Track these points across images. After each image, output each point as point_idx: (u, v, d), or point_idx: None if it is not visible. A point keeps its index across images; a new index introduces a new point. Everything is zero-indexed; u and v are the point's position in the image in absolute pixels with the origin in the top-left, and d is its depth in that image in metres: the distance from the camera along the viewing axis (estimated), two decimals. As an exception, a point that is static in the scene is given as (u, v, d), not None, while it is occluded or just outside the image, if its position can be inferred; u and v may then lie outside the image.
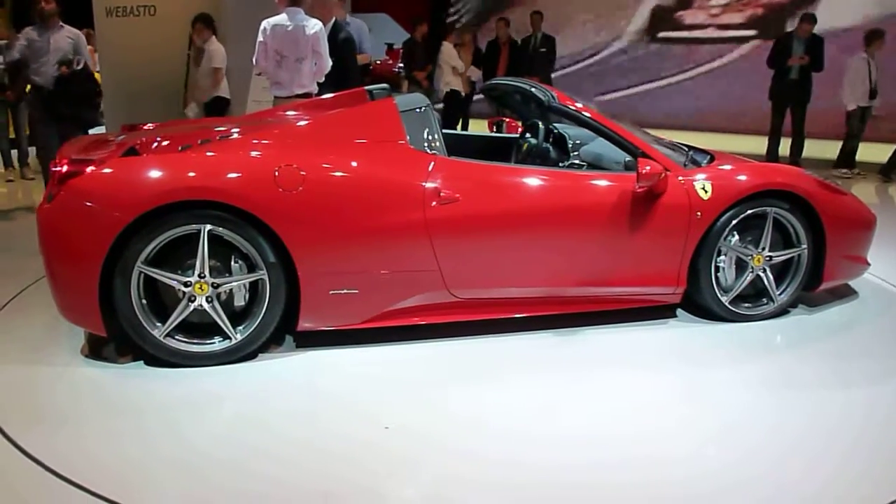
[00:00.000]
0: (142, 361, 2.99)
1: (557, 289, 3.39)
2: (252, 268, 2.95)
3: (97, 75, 6.88)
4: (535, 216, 3.24)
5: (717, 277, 3.51)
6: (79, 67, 5.72)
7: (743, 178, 3.50)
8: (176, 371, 2.92)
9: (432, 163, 3.16)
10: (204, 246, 2.85)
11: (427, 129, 3.27)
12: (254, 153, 3.03)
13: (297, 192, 2.91)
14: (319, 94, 5.06)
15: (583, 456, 2.40)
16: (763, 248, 3.54)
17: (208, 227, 2.83)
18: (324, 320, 3.12)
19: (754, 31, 12.59)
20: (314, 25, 4.95)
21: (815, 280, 3.69)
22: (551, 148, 3.99)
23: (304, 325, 3.09)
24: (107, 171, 2.83)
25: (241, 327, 2.99)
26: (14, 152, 7.45)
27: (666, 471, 2.32)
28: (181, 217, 2.81)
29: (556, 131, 4.09)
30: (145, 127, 3.82)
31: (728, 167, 3.65)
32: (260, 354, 3.08)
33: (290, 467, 2.30)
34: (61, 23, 5.77)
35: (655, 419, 2.66)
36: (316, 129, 3.31)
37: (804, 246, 3.58)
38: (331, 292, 3.04)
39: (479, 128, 7.50)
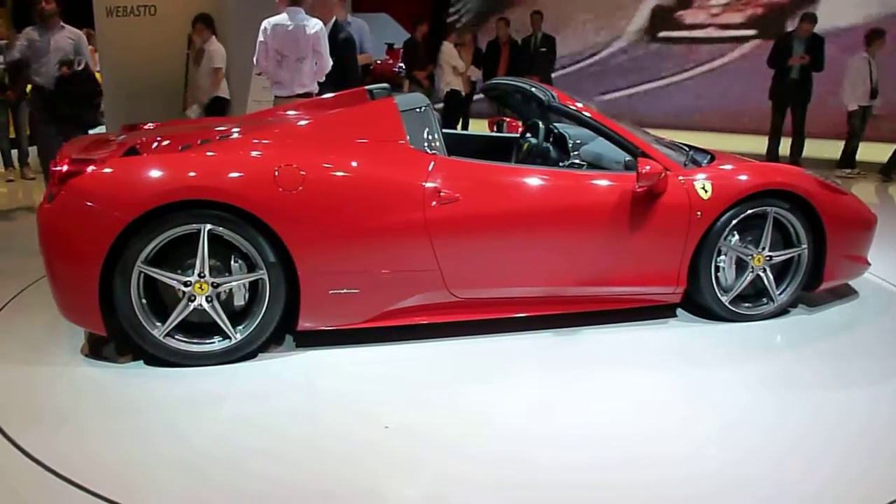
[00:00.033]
0: (142, 361, 2.99)
1: (557, 288, 3.39)
2: (252, 267, 2.95)
3: (97, 75, 6.89)
4: (535, 216, 3.24)
5: (717, 277, 3.51)
6: (80, 68, 5.72)
7: (743, 177, 3.50)
8: (176, 371, 2.92)
9: (432, 162, 3.16)
10: (204, 245, 2.85)
11: (427, 129, 3.27)
12: (254, 153, 3.03)
13: (297, 192, 2.91)
14: (320, 93, 5.06)
15: (583, 455, 2.40)
16: (763, 248, 3.54)
17: (208, 226, 2.84)
18: (324, 320, 3.12)
19: (754, 31, 12.58)
20: (315, 25, 4.95)
21: (816, 280, 3.69)
22: (551, 147, 3.99)
23: (304, 324, 3.09)
24: (107, 170, 2.83)
25: (240, 327, 2.99)
26: (14, 152, 7.45)
27: (666, 470, 2.32)
28: (181, 217, 2.81)
29: (556, 131, 4.09)
30: (146, 127, 3.82)
31: (728, 167, 3.65)
32: (260, 354, 3.08)
33: (290, 467, 2.30)
34: (62, 23, 5.77)
35: (655, 419, 2.66)
36: (316, 128, 3.31)
37: (804, 246, 3.58)
38: (331, 292, 3.04)
39: (479, 127, 7.50)
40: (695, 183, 3.43)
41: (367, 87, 4.11)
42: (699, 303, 3.59)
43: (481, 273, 3.24)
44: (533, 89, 3.69)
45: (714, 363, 3.16)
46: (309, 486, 2.20)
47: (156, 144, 3.24)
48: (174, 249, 2.88)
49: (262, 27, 4.97)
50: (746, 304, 3.61)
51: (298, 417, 2.61)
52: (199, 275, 2.88)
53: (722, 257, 3.51)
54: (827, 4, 11.56)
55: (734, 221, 3.45)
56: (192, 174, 2.85)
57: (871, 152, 8.42)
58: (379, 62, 12.86)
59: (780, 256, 3.58)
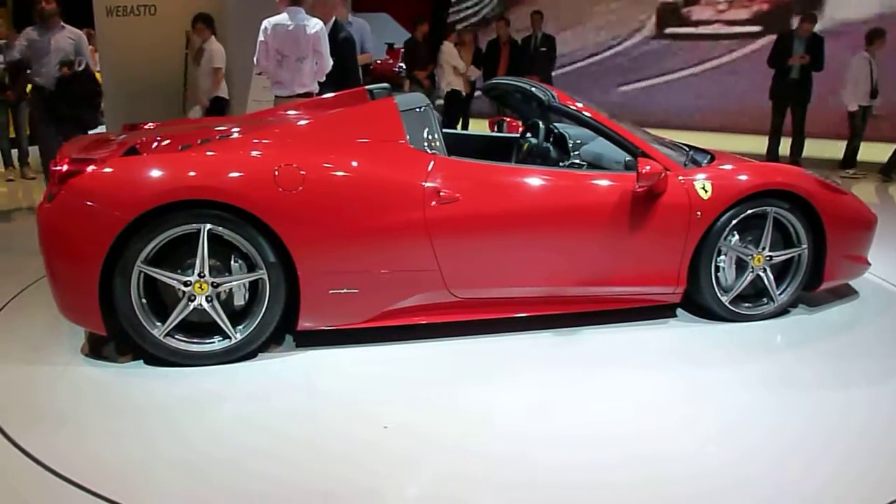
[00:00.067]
0: (142, 361, 2.99)
1: (557, 288, 3.39)
2: (252, 267, 2.95)
3: (97, 75, 6.89)
4: (535, 216, 3.24)
5: (717, 277, 3.51)
6: (80, 69, 5.72)
7: (743, 177, 3.50)
8: (176, 370, 2.92)
9: (432, 162, 3.16)
10: (204, 245, 2.85)
11: (427, 129, 3.27)
12: (254, 153, 3.03)
13: (296, 192, 2.91)
14: (320, 93, 5.06)
15: (583, 455, 2.40)
16: (763, 248, 3.54)
17: (208, 226, 2.84)
18: (324, 320, 3.12)
19: (761, 27, 12.59)
20: (315, 25, 4.95)
21: (816, 280, 3.68)
22: (552, 147, 3.99)
23: (304, 324, 3.09)
24: (107, 170, 2.83)
25: (240, 327, 2.99)
26: (14, 152, 7.45)
27: (666, 470, 2.32)
28: (181, 216, 2.81)
29: (556, 131, 4.09)
30: (146, 126, 3.82)
31: (728, 167, 3.65)
32: (260, 354, 3.08)
33: (290, 467, 2.30)
34: (62, 23, 5.77)
35: (656, 419, 2.66)
36: (316, 128, 3.31)
37: (804, 246, 3.58)
38: (330, 292, 3.04)
39: (479, 127, 7.50)
40: (695, 183, 3.43)
41: (367, 86, 4.11)
42: (699, 303, 3.59)
43: (481, 273, 3.24)
44: (533, 89, 3.69)
45: (714, 363, 3.16)
46: (309, 486, 2.20)
47: (156, 144, 3.24)
48: (174, 249, 2.88)
49: (263, 27, 4.97)
50: (746, 304, 3.61)
51: (298, 417, 2.61)
52: (199, 275, 2.88)
53: (722, 257, 3.51)
54: (834, 1, 11.55)
55: (734, 221, 3.45)
56: (192, 174, 2.85)
57: (871, 152, 8.42)
58: (379, 62, 12.86)
59: (781, 256, 3.58)
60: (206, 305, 2.91)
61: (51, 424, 2.53)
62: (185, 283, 2.88)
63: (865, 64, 7.99)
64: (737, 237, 3.52)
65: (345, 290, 3.05)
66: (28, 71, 6.02)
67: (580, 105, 3.52)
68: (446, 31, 9.30)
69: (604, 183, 3.37)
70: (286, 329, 3.16)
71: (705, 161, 3.83)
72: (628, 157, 3.49)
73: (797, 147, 8.26)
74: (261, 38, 4.97)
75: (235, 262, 2.96)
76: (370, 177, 3.06)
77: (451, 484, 2.24)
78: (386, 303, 3.14)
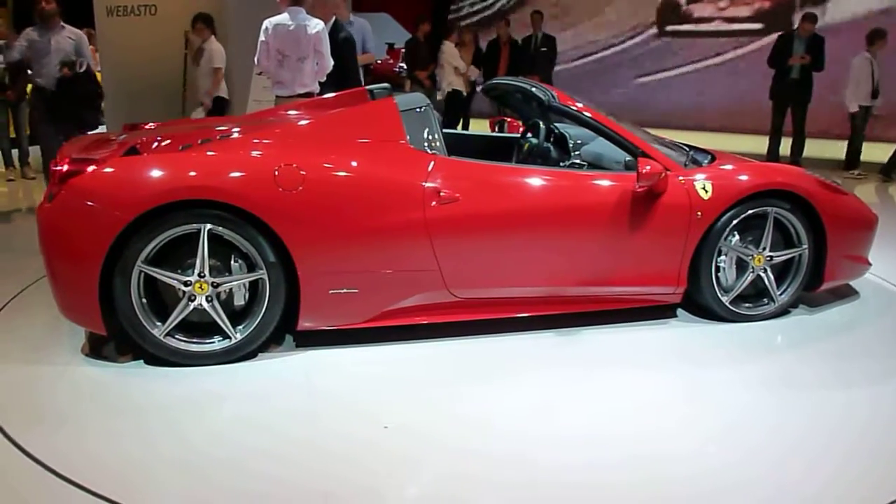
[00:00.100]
0: (142, 361, 2.99)
1: (558, 288, 3.39)
2: (252, 267, 2.95)
3: (97, 75, 6.89)
4: (535, 216, 3.24)
5: (717, 277, 3.50)
6: (81, 70, 5.71)
7: (743, 177, 3.50)
8: (176, 370, 2.92)
9: (432, 162, 3.16)
10: (204, 245, 2.85)
11: (427, 129, 3.27)
12: (254, 153, 3.03)
13: (296, 192, 2.91)
14: (321, 93, 5.06)
15: (583, 455, 2.40)
16: (764, 248, 3.53)
17: (208, 226, 2.83)
18: (324, 320, 3.12)
19: (762, 25, 12.60)
20: (316, 25, 4.96)
21: (816, 280, 3.68)
22: (552, 147, 3.98)
23: (304, 324, 3.09)
24: (107, 170, 2.83)
25: (240, 327, 2.99)
26: (15, 151, 7.45)
27: (667, 470, 2.32)
28: (181, 216, 2.81)
29: (556, 131, 4.09)
30: (146, 126, 3.82)
31: (729, 167, 3.65)
32: (260, 354, 3.08)
33: (290, 467, 2.30)
34: (62, 23, 5.77)
35: (656, 419, 2.66)
36: (316, 128, 3.31)
37: (805, 246, 3.58)
38: (330, 292, 3.04)
39: (479, 127, 7.50)
40: (695, 183, 3.42)
41: (367, 87, 4.11)
42: (700, 303, 3.59)
43: (481, 273, 3.24)
44: (533, 89, 3.69)
45: (714, 363, 3.16)
46: (309, 486, 2.20)
47: (156, 144, 3.24)
48: (174, 249, 2.88)
49: (264, 27, 4.97)
50: (747, 305, 3.61)
51: (298, 417, 2.61)
52: (199, 274, 2.88)
53: (722, 257, 3.51)
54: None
55: (735, 221, 3.45)
56: (192, 174, 2.85)
57: (870, 152, 8.42)
58: (379, 62, 12.86)
59: (781, 256, 3.58)
60: (206, 305, 2.91)
61: (51, 424, 2.53)
62: (186, 283, 2.88)
63: (867, 64, 7.99)
64: (737, 237, 3.52)
65: (345, 290, 3.05)
66: (29, 71, 6.02)
67: (580, 105, 3.51)
68: (447, 30, 9.27)
69: (604, 183, 3.37)
70: (286, 329, 3.16)
71: (706, 161, 3.83)
72: (628, 157, 3.49)
73: (797, 147, 8.26)
74: (262, 38, 4.97)
75: (235, 262, 2.95)
76: (370, 177, 3.06)
77: (451, 484, 2.24)
78: (386, 303, 3.14)
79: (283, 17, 4.94)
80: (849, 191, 3.86)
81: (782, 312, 3.67)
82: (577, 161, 3.83)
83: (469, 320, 3.28)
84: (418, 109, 3.32)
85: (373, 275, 3.07)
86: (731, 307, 3.55)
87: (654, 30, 13.58)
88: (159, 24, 6.97)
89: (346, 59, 5.37)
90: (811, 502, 2.19)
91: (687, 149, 3.97)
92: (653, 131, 3.98)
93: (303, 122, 3.42)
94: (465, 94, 9.05)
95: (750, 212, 3.45)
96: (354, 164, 3.06)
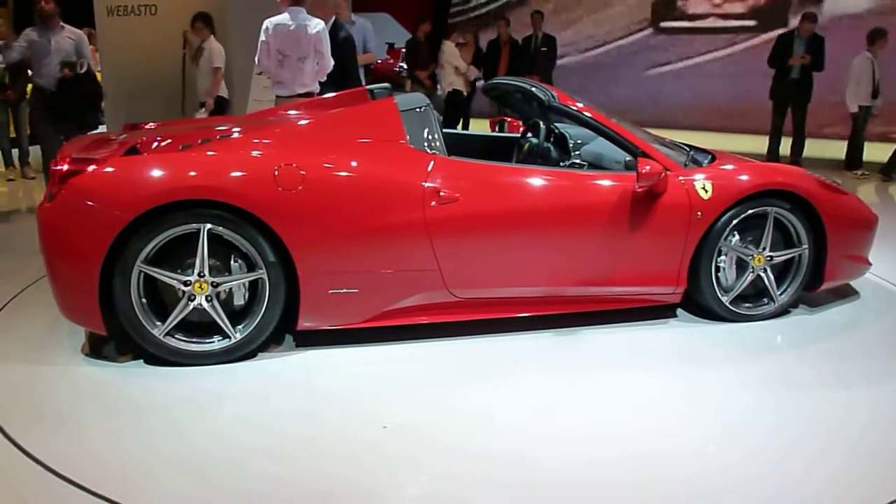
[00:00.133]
0: (142, 360, 2.99)
1: (558, 288, 3.39)
2: (252, 267, 2.95)
3: (98, 75, 6.89)
4: (535, 216, 3.24)
5: (717, 277, 3.50)
6: (82, 71, 5.71)
7: (743, 177, 3.50)
8: (176, 370, 2.92)
9: (432, 162, 3.16)
10: (203, 245, 2.85)
11: (427, 129, 3.27)
12: (254, 153, 3.03)
13: (296, 192, 2.91)
14: (321, 93, 5.06)
15: (583, 455, 2.40)
16: (764, 248, 3.53)
17: (208, 226, 2.83)
18: (323, 319, 3.12)
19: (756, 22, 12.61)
20: (316, 25, 4.96)
21: (817, 280, 3.68)
22: (552, 147, 3.98)
23: (304, 324, 3.09)
24: (107, 170, 2.83)
25: (240, 326, 2.99)
26: (15, 151, 7.45)
27: (666, 470, 2.32)
28: (181, 216, 2.81)
29: (557, 131, 4.09)
30: (147, 126, 3.82)
31: (729, 167, 3.65)
32: (259, 353, 3.08)
33: (290, 466, 2.30)
34: (62, 23, 5.76)
35: (656, 419, 2.66)
36: (316, 128, 3.31)
37: (805, 246, 3.58)
38: (330, 291, 3.03)
39: (480, 127, 7.50)
40: (695, 183, 3.42)
41: (367, 86, 4.11)
42: (699, 303, 3.59)
43: (481, 273, 3.24)
44: (533, 89, 3.68)
45: (714, 363, 3.16)
46: (309, 486, 2.20)
47: (156, 144, 3.24)
48: (174, 249, 2.88)
49: (264, 27, 4.97)
50: (747, 305, 3.61)
51: (298, 417, 2.61)
52: (198, 274, 2.88)
53: (722, 257, 3.50)
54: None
55: (734, 221, 3.44)
56: (192, 174, 2.85)
57: (870, 152, 8.41)
58: (380, 62, 12.87)
59: (781, 256, 3.58)
60: (205, 305, 2.91)
61: (51, 424, 2.53)
62: (185, 283, 2.88)
63: (868, 64, 7.98)
64: (737, 237, 3.52)
65: (344, 290, 3.05)
66: (29, 72, 6.02)
67: (580, 105, 3.51)
68: (448, 30, 9.27)
69: (604, 183, 3.37)
70: (286, 329, 3.16)
71: (706, 161, 3.82)
72: (628, 157, 3.49)
73: (797, 147, 8.26)
74: (262, 38, 4.97)
75: (235, 261, 2.95)
76: (370, 177, 3.06)
77: (451, 484, 2.24)
78: (386, 303, 3.14)
79: (284, 17, 4.94)
80: (849, 191, 3.86)
81: (782, 312, 3.67)
82: (577, 161, 3.83)
83: (469, 320, 3.28)
84: (418, 109, 3.32)
85: (372, 275, 3.07)
86: (731, 307, 3.55)
87: (649, 26, 13.60)
88: (159, 24, 6.96)
89: (346, 58, 5.38)
90: (811, 502, 2.19)
91: (687, 149, 3.97)
92: (651, 131, 3.98)
93: (303, 122, 3.42)
94: (465, 93, 9.04)
95: (750, 212, 3.45)
96: (354, 163, 3.06)
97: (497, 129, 4.79)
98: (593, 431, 2.56)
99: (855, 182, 7.80)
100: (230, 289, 2.98)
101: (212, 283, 2.90)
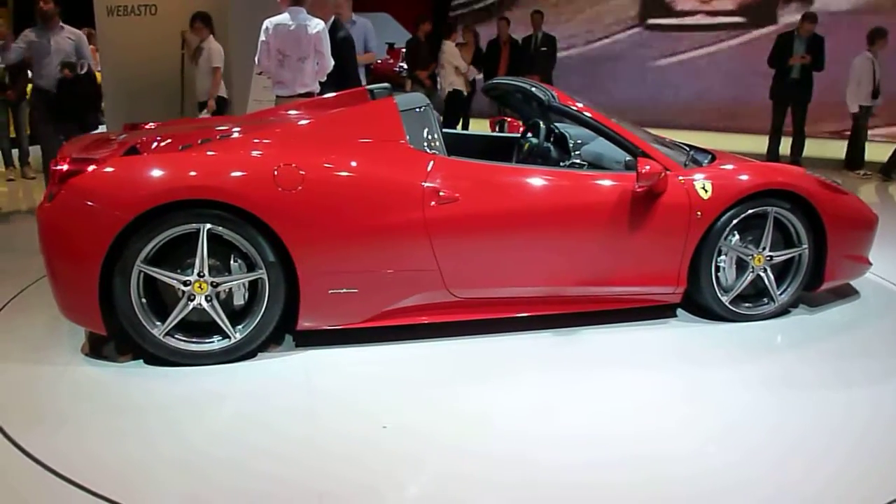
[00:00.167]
0: (142, 360, 2.99)
1: (557, 288, 3.38)
2: (251, 267, 2.95)
3: (97, 75, 6.89)
4: (535, 215, 3.24)
5: (717, 277, 3.50)
6: (83, 72, 5.70)
7: (743, 177, 3.50)
8: (176, 370, 2.92)
9: (431, 162, 3.16)
10: (203, 245, 2.85)
11: (427, 129, 3.27)
12: (254, 153, 3.03)
13: (296, 192, 2.91)
14: (321, 93, 5.06)
15: (583, 455, 2.40)
16: (764, 248, 3.53)
17: (208, 226, 2.83)
18: (323, 319, 3.12)
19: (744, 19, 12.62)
20: (316, 25, 4.96)
21: (817, 280, 3.68)
22: (552, 147, 3.98)
23: (304, 324, 3.09)
24: (107, 170, 2.83)
25: (240, 326, 2.99)
26: (15, 151, 7.45)
27: (666, 470, 2.32)
28: (181, 216, 2.81)
29: (557, 131, 4.09)
30: (147, 126, 3.82)
31: (729, 167, 3.65)
32: (259, 353, 3.08)
33: (290, 466, 2.30)
34: (61, 23, 5.76)
35: (656, 419, 2.66)
36: (316, 128, 3.31)
37: (805, 246, 3.58)
38: (330, 291, 3.03)
39: (480, 127, 7.50)
40: (695, 183, 3.42)
41: (368, 86, 4.11)
42: (699, 303, 3.59)
43: (481, 273, 3.24)
44: (533, 89, 3.68)
45: (714, 363, 3.16)
46: (309, 485, 2.20)
47: (156, 144, 3.24)
48: (174, 249, 2.88)
49: (264, 27, 4.97)
50: (747, 304, 3.61)
51: (298, 417, 2.61)
52: (198, 274, 2.88)
53: (722, 257, 3.50)
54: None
55: (734, 221, 3.44)
56: (192, 174, 2.85)
57: (870, 152, 8.41)
58: (380, 62, 12.86)
59: (781, 256, 3.58)
60: (205, 305, 2.91)
61: (51, 424, 2.53)
62: (185, 283, 2.88)
63: (868, 64, 7.98)
64: (737, 237, 3.52)
65: (344, 290, 3.05)
66: (29, 73, 6.02)
67: (580, 105, 3.51)
68: (448, 30, 9.26)
69: (604, 183, 3.37)
70: (286, 329, 3.16)
71: (706, 161, 3.82)
72: (628, 157, 3.48)
73: (797, 147, 8.26)
74: (262, 38, 4.97)
75: (235, 261, 2.95)
76: (370, 177, 3.06)
77: (451, 483, 2.24)
78: (385, 303, 3.14)
79: (284, 17, 4.94)
80: (849, 190, 3.86)
81: (782, 312, 3.67)
82: (577, 161, 3.83)
83: (468, 320, 3.28)
84: (418, 109, 3.32)
85: (372, 275, 3.07)
86: (730, 307, 3.55)
87: (637, 24, 13.63)
88: (159, 24, 6.96)
89: (345, 58, 5.37)
90: (811, 502, 2.19)
91: (687, 148, 3.97)
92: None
93: (303, 122, 3.42)
94: (465, 93, 9.04)
95: (750, 211, 3.45)
96: (354, 163, 3.06)
97: (497, 129, 4.79)
98: (593, 431, 2.56)
99: (855, 182, 7.80)
100: (230, 289, 2.97)
101: (211, 283, 2.90)
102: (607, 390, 2.89)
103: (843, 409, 2.76)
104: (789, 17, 11.61)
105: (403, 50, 10.88)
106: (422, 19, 8.97)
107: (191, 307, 2.91)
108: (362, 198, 3.02)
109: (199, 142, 3.14)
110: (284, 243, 2.91)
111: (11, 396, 2.73)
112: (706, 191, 3.40)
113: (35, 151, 7.02)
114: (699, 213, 3.37)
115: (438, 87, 8.90)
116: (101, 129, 6.88)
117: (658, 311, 3.60)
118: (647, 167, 3.23)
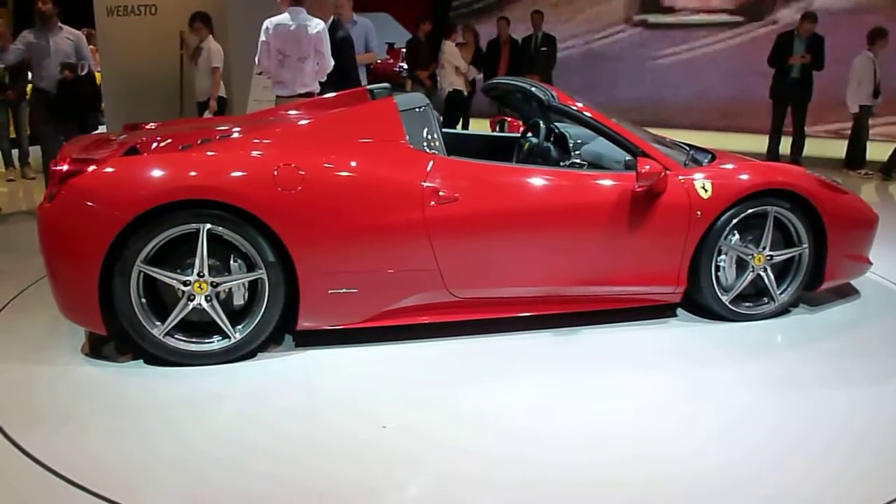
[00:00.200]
0: (141, 360, 2.99)
1: (557, 288, 3.38)
2: (251, 267, 2.95)
3: (97, 75, 6.89)
4: (535, 215, 3.24)
5: (717, 277, 3.50)
6: (83, 73, 5.70)
7: (743, 177, 3.50)
8: (176, 370, 2.92)
9: (431, 162, 3.16)
10: (203, 245, 2.85)
11: (426, 129, 3.27)
12: (253, 153, 3.03)
13: (295, 192, 2.91)
14: (321, 93, 5.06)
15: (583, 455, 2.40)
16: (764, 248, 3.53)
17: (207, 226, 2.83)
18: (323, 319, 3.12)
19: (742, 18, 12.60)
20: (317, 25, 4.96)
21: (817, 279, 3.68)
22: (552, 147, 3.98)
23: (304, 324, 3.09)
24: (107, 170, 2.83)
25: (240, 326, 2.99)
26: (15, 152, 7.45)
27: (666, 470, 2.31)
28: (180, 216, 2.81)
29: (557, 130, 4.09)
30: (147, 126, 3.82)
31: (729, 166, 3.65)
32: (259, 353, 3.08)
33: (289, 466, 2.30)
34: (60, 24, 5.76)
35: (656, 418, 2.66)
36: (315, 128, 3.31)
37: (805, 245, 3.58)
38: (330, 291, 3.03)
39: (480, 127, 7.50)
40: (695, 182, 3.42)
41: (368, 86, 4.11)
42: (699, 302, 3.59)
43: (480, 273, 3.24)
44: (533, 89, 3.68)
45: (714, 363, 3.16)
46: (309, 485, 2.20)
47: (156, 144, 3.24)
48: (174, 249, 2.88)
49: (264, 27, 4.97)
50: (747, 304, 3.61)
51: (298, 417, 2.61)
52: (198, 274, 2.88)
53: (722, 257, 3.50)
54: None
55: (734, 221, 3.44)
56: (192, 174, 2.85)
57: (870, 151, 8.40)
58: (379, 62, 12.86)
59: (781, 256, 3.58)
60: (205, 305, 2.91)
61: (51, 424, 2.53)
62: (185, 283, 2.88)
63: (869, 64, 7.97)
64: (737, 237, 3.52)
65: (344, 290, 3.05)
66: (29, 74, 6.01)
67: (580, 105, 3.51)
68: (448, 30, 9.26)
69: (604, 182, 3.37)
70: (285, 329, 3.16)
71: (706, 160, 3.82)
72: (628, 157, 3.48)
73: (797, 146, 8.26)
74: (262, 38, 4.97)
75: (235, 261, 2.95)
76: (369, 176, 3.06)
77: (450, 483, 2.24)
78: (385, 302, 3.14)
79: (284, 17, 4.94)
80: (849, 190, 3.86)
81: (782, 312, 3.67)
82: (577, 161, 3.83)
83: (468, 320, 3.28)
84: (418, 109, 3.32)
85: (372, 275, 3.07)
86: (731, 306, 3.55)
87: (637, 23, 13.64)
88: (159, 24, 6.97)
89: (344, 58, 5.37)
90: (812, 502, 2.19)
91: (687, 148, 3.97)
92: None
93: (303, 122, 3.42)
94: (465, 93, 9.04)
95: (750, 211, 3.45)
96: (353, 163, 3.06)
97: (497, 129, 4.79)
98: (593, 431, 2.56)
99: (855, 181, 7.80)
100: (230, 289, 2.97)
101: (211, 283, 2.90)
102: (607, 390, 2.89)
103: (844, 409, 2.76)
104: (789, 16, 11.64)
105: (403, 50, 10.87)
106: (422, 19, 8.96)
107: (190, 307, 2.91)
108: (362, 198, 3.02)
109: (199, 142, 3.14)
110: (284, 243, 2.91)
111: (11, 396, 2.73)
112: (706, 190, 3.40)
113: (35, 152, 7.02)
114: (699, 212, 3.37)
115: (438, 87, 8.90)
116: (101, 129, 6.89)
117: (658, 311, 3.60)
118: (647, 167, 3.23)
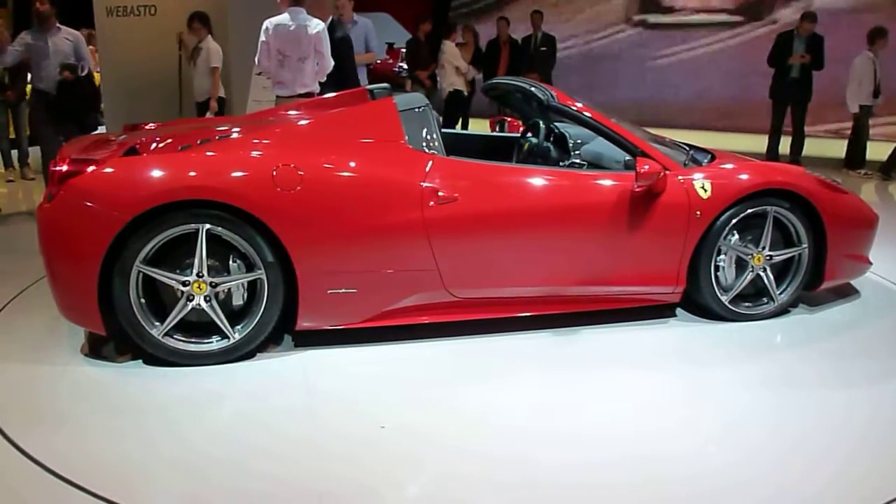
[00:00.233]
0: (141, 360, 2.99)
1: (557, 288, 3.38)
2: (250, 267, 2.95)
3: (97, 75, 6.89)
4: (534, 215, 3.24)
5: (716, 277, 3.50)
6: (83, 74, 5.70)
7: (743, 176, 3.50)
8: (175, 370, 2.92)
9: (430, 162, 3.16)
10: (202, 245, 2.85)
11: (426, 129, 3.27)
12: (253, 153, 3.03)
13: (294, 192, 2.91)
14: (321, 93, 5.07)
15: (583, 455, 2.40)
16: (763, 248, 3.53)
17: (207, 226, 2.83)
18: (322, 319, 3.12)
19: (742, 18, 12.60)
20: (316, 25, 4.97)
21: (817, 279, 3.68)
22: (552, 147, 3.98)
23: (303, 324, 3.09)
24: (107, 170, 2.83)
25: (239, 326, 2.99)
26: (14, 152, 7.45)
27: (666, 470, 2.31)
28: (180, 216, 2.81)
29: (556, 130, 4.09)
30: (146, 127, 3.82)
31: (728, 166, 3.65)
32: (258, 353, 3.08)
33: (289, 465, 2.30)
34: (58, 24, 5.75)
35: (656, 419, 2.66)
36: (314, 128, 3.31)
37: (805, 245, 3.58)
38: (329, 291, 3.03)
39: (480, 127, 7.50)
40: (694, 182, 3.42)
41: (367, 86, 4.11)
42: (699, 302, 3.58)
43: (480, 273, 3.23)
44: (532, 89, 3.68)
45: (714, 363, 3.16)
46: (308, 485, 2.20)
47: (155, 144, 3.24)
48: (173, 249, 2.88)
49: (264, 27, 4.98)
50: (746, 304, 3.61)
51: (297, 417, 2.61)
52: (197, 274, 2.88)
53: (722, 257, 3.50)
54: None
55: (734, 221, 3.44)
56: (191, 174, 2.85)
57: (870, 151, 8.40)
58: (379, 62, 12.86)
59: (781, 256, 3.58)
60: (204, 305, 2.91)
61: (50, 424, 2.53)
62: (184, 283, 2.88)
63: (869, 63, 7.97)
64: (737, 236, 3.51)
65: (343, 290, 3.05)
66: (29, 75, 6.01)
67: (579, 105, 3.51)
68: (448, 30, 9.26)
69: (603, 182, 3.37)
70: (285, 329, 3.16)
71: (705, 160, 3.82)
72: (628, 157, 3.48)
73: (797, 146, 8.26)
74: (262, 38, 4.98)
75: (234, 262, 2.95)
76: (368, 177, 3.06)
77: (450, 483, 2.24)
78: (384, 303, 3.14)
79: (284, 18, 4.94)
80: (849, 190, 3.85)
81: (782, 312, 3.67)
82: (577, 161, 3.83)
83: (468, 320, 3.28)
84: (417, 109, 3.32)
85: (371, 275, 3.07)
86: (730, 306, 3.54)
87: (637, 23, 13.64)
88: (159, 24, 6.96)
89: (343, 58, 5.38)
90: (811, 502, 2.19)
91: (686, 148, 3.97)
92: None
93: (302, 123, 3.42)
94: (465, 93, 9.04)
95: (749, 211, 3.45)
96: (353, 163, 3.06)
97: (497, 129, 4.79)
98: (593, 431, 2.56)
99: (855, 181, 7.79)
100: (229, 289, 2.97)
101: (210, 283, 2.90)
102: (607, 390, 2.89)
103: (843, 409, 2.76)
104: (789, 16, 11.65)
105: (403, 50, 10.86)
106: (422, 19, 8.96)
107: (190, 307, 2.91)
108: (361, 198, 3.01)
109: (199, 142, 3.14)
110: (283, 243, 2.91)
111: (11, 396, 2.73)
112: (705, 190, 3.40)
113: (34, 152, 7.03)
114: (698, 212, 3.37)
115: (438, 87, 8.90)
116: (101, 130, 6.88)
117: (657, 311, 3.60)
118: (647, 167, 3.23)
